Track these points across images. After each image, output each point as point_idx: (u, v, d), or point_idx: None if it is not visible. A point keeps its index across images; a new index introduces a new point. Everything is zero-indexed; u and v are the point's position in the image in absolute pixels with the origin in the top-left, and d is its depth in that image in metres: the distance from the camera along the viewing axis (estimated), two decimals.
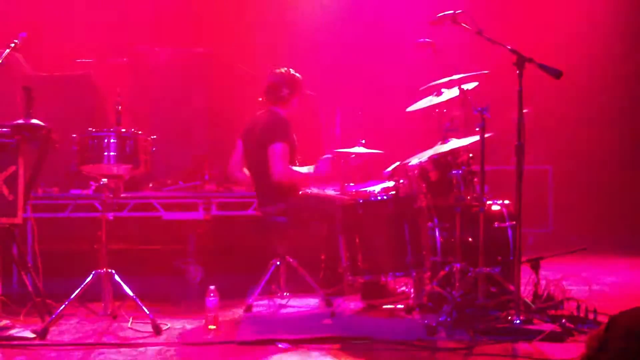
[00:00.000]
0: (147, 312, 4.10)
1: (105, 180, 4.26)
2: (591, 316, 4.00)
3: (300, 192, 4.93)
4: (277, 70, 5.06)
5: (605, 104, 8.39)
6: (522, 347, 3.69)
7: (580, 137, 8.33)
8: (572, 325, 3.91)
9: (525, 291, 4.33)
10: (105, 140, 4.09)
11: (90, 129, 4.15)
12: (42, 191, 5.63)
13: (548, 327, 3.83)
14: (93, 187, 5.38)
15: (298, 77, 5.07)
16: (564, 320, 3.93)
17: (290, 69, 5.08)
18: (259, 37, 8.15)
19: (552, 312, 4.15)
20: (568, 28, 8.43)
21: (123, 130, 4.15)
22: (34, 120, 4.36)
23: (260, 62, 7.38)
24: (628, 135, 8.37)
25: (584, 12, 8.47)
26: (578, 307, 4.06)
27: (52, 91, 5.78)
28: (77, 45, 7.76)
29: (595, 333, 1.45)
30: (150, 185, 6.17)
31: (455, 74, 4.51)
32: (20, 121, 4.33)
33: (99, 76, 6.19)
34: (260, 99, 5.05)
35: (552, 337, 3.75)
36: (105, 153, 4.09)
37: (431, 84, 4.70)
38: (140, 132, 4.22)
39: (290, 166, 4.85)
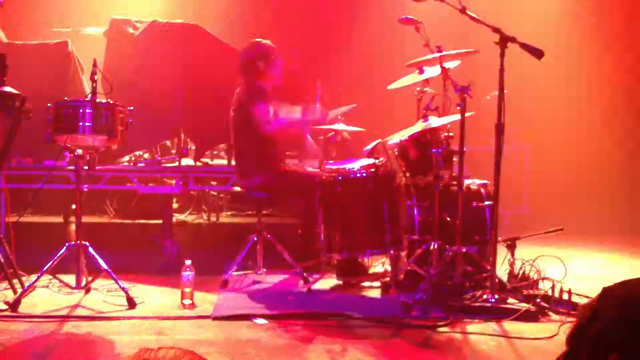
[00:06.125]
0: (121, 286, 4.06)
1: (80, 151, 4.19)
2: (566, 296, 4.03)
3: (279, 168, 4.88)
4: (246, 47, 4.90)
5: (585, 86, 8.43)
6: (497, 325, 3.72)
7: (558, 119, 8.37)
8: (546, 305, 3.96)
9: (501, 271, 4.36)
10: (81, 110, 4.01)
11: (65, 98, 4.06)
12: (15, 162, 5.53)
13: (523, 306, 3.86)
14: (67, 159, 5.29)
15: (270, 45, 4.89)
16: (538, 300, 3.97)
17: (260, 39, 4.91)
18: (239, 10, 8.06)
19: (527, 291, 4.18)
20: (550, 8, 8.45)
21: (99, 100, 4.07)
22: (8, 89, 4.26)
23: (241, 36, 7.31)
24: (607, 118, 8.42)
25: None
26: (553, 287, 4.09)
27: (28, 60, 5.65)
28: (54, 14, 7.61)
29: (588, 303, 1.44)
30: (127, 158, 6.10)
31: (439, 51, 4.48)
32: None
33: (75, 46, 6.07)
34: (239, 79, 4.89)
35: (527, 316, 3.79)
36: (80, 123, 4.01)
37: (413, 61, 4.66)
38: (117, 103, 4.14)
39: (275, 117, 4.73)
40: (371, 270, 4.90)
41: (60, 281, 4.22)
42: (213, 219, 7.58)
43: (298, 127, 4.91)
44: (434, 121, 4.52)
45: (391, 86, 4.85)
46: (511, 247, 4.46)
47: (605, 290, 1.42)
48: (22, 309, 3.87)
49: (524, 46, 3.86)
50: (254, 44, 4.90)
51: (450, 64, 4.48)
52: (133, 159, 6.10)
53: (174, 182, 5.89)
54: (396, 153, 4.79)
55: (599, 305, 1.40)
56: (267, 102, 4.73)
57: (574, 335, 1.43)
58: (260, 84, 4.83)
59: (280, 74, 4.94)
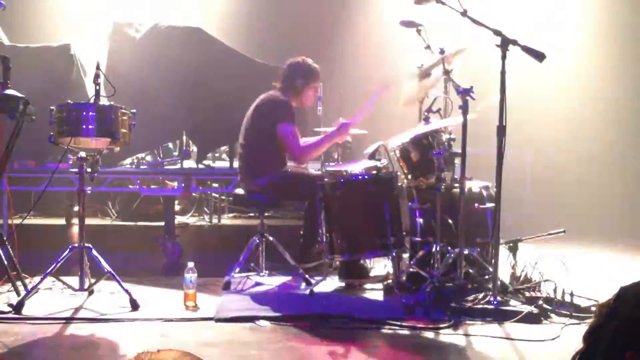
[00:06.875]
0: (125, 288, 4.07)
1: (83, 153, 4.20)
2: (568, 298, 4.04)
3: (282, 169, 4.89)
4: (294, 60, 5.00)
5: (587, 87, 8.42)
6: (499, 327, 3.72)
7: (560, 121, 8.37)
8: (548, 307, 3.96)
9: (503, 272, 4.36)
10: (84, 113, 4.01)
11: (68, 101, 4.08)
12: (17, 164, 5.55)
13: (525, 308, 3.87)
14: (70, 161, 5.31)
15: (315, 68, 5.01)
16: (540, 302, 3.97)
17: (309, 60, 5.01)
18: (241, 13, 8.08)
19: (529, 293, 4.18)
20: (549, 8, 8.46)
21: (102, 103, 4.08)
22: (11, 91, 4.26)
23: (242, 38, 7.34)
24: (609, 119, 8.41)
25: None
26: (555, 289, 4.09)
27: (30, 62, 5.67)
28: (56, 17, 7.64)
29: (605, 302, 1.46)
30: (130, 160, 6.12)
31: (440, 54, 4.49)
32: None
33: (78, 48, 6.08)
34: (274, 84, 4.98)
35: (529, 318, 3.79)
36: (84, 126, 4.01)
37: (415, 64, 4.67)
38: (120, 106, 4.15)
39: (303, 144, 4.89)
40: (373, 273, 4.90)
41: (64, 283, 4.23)
42: (215, 221, 7.62)
43: (322, 148, 5.00)
44: (435, 123, 4.53)
45: (389, 87, 4.89)
46: (513, 249, 4.46)
47: (622, 290, 1.43)
48: (26, 311, 3.87)
49: (526, 49, 3.87)
50: (301, 62, 4.99)
51: (452, 66, 4.49)
52: (135, 161, 6.12)
53: (176, 184, 5.90)
54: (398, 155, 4.80)
55: (615, 304, 1.42)
56: (294, 124, 4.82)
57: (591, 333, 1.44)
58: (290, 101, 4.91)
59: (312, 99, 5.08)
